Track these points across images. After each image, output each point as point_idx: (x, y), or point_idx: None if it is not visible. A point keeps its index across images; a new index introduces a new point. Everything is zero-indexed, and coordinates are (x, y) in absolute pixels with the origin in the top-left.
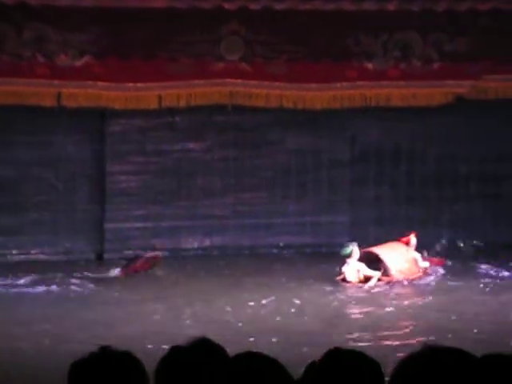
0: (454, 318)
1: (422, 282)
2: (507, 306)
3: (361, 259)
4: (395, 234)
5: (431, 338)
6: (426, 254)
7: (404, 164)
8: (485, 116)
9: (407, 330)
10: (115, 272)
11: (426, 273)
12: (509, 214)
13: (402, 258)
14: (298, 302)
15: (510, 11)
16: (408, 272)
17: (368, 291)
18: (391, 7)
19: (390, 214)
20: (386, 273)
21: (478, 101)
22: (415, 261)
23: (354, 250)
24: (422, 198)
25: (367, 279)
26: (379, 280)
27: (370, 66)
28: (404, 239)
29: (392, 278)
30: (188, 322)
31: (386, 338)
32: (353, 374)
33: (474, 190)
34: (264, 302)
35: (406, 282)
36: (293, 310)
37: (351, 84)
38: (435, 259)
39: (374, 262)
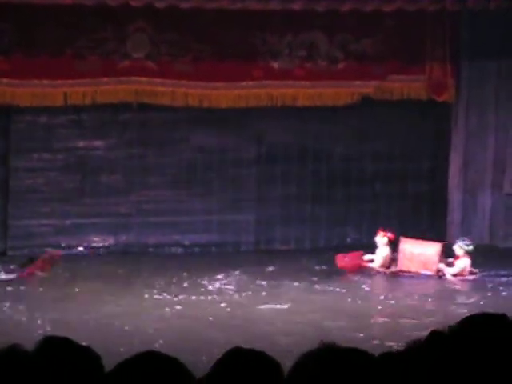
0: None
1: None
2: None
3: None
4: (301, 234)
5: None
6: None
7: (310, 163)
8: (391, 116)
9: None
10: (9, 276)
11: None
12: (414, 212)
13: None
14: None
15: (414, 12)
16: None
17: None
18: (296, 7)
19: (297, 213)
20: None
21: (384, 101)
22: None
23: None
24: (328, 197)
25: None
26: None
27: (275, 65)
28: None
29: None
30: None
31: None
32: (252, 373)
33: (379, 188)
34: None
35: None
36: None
37: (257, 83)
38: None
39: None
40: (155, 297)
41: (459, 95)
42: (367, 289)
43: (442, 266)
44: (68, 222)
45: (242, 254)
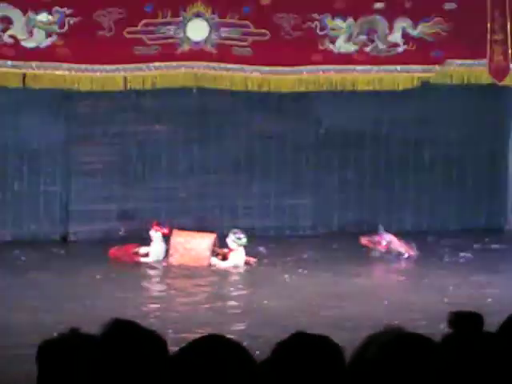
0: None
1: None
2: None
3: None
4: (359, 218)
5: None
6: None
7: (369, 148)
8: (450, 101)
9: None
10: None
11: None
12: (473, 198)
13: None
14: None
15: None
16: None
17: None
18: None
19: (354, 199)
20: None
21: (444, 85)
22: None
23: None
24: (386, 183)
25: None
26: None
27: (335, 49)
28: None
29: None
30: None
31: None
32: (315, 357)
33: (438, 174)
34: None
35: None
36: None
37: (316, 68)
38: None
39: None
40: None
41: None
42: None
43: (214, 260)
44: (128, 206)
45: (300, 238)
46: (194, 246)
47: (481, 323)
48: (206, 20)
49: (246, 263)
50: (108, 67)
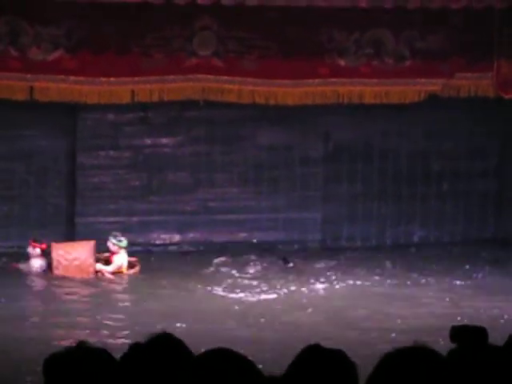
0: None
1: None
2: None
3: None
4: (367, 231)
5: None
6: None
7: (376, 161)
8: (457, 113)
9: None
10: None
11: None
12: (480, 211)
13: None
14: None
15: (481, 10)
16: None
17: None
18: (363, 4)
19: (363, 211)
20: None
21: (451, 98)
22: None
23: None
24: (394, 195)
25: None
26: None
27: (342, 62)
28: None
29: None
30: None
31: None
32: (329, 372)
33: (445, 187)
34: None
35: None
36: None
37: (323, 80)
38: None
39: None
40: (221, 293)
41: None
42: None
43: (99, 265)
44: (135, 219)
45: (309, 251)
46: (76, 255)
47: (485, 337)
48: (214, 33)
49: (130, 266)
50: (115, 80)
